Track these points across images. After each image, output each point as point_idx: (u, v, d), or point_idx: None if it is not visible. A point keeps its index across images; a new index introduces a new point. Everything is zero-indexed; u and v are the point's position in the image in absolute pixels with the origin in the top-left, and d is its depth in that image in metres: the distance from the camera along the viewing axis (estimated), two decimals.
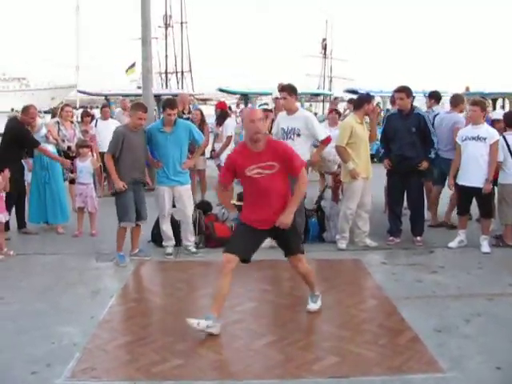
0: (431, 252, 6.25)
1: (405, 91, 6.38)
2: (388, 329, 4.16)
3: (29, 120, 6.94)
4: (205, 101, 34.46)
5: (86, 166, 7.19)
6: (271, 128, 7.67)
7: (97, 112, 15.26)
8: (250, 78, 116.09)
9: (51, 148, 7.35)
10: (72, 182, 7.84)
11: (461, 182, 6.25)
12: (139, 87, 21.21)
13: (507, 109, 18.49)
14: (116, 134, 5.79)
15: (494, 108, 17.61)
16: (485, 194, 6.09)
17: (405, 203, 6.74)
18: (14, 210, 6.96)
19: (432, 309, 4.55)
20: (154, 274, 5.92)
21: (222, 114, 8.95)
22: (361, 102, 6.45)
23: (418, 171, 6.37)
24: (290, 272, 5.59)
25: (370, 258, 6.07)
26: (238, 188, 8.45)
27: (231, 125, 9.12)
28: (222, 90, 21.13)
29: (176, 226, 6.30)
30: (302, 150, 6.02)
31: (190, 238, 6.20)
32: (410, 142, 6.31)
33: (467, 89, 17.65)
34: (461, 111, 7.13)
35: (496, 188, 6.44)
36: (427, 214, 7.19)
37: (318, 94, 28.70)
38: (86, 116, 9.65)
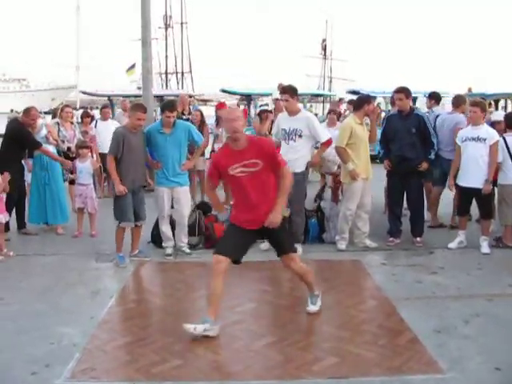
0: (431, 253, 6.25)
1: (404, 92, 6.38)
2: (388, 329, 4.16)
3: (30, 122, 6.95)
4: (205, 101, 34.47)
5: (85, 166, 7.20)
6: (271, 129, 7.69)
7: (97, 113, 15.26)
8: (250, 78, 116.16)
9: (51, 149, 7.35)
10: (72, 182, 7.84)
11: (460, 182, 6.26)
12: (139, 88, 21.23)
13: (509, 109, 18.53)
14: (116, 134, 5.78)
15: (497, 108, 17.64)
16: (485, 194, 6.10)
17: (405, 204, 6.74)
18: (13, 210, 6.97)
19: (432, 309, 4.55)
20: (154, 274, 5.92)
21: None
22: (360, 102, 6.45)
23: (417, 172, 6.38)
24: (290, 273, 5.60)
25: (370, 258, 6.08)
26: None
27: None
28: (224, 91, 21.12)
29: (175, 226, 6.30)
30: (304, 151, 6.04)
31: (183, 239, 6.20)
32: (409, 143, 6.31)
33: (469, 89, 17.66)
34: (462, 112, 7.13)
35: (496, 189, 6.45)
36: (427, 215, 7.19)
37: (320, 95, 28.69)
38: (86, 117, 9.64)
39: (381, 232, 6.70)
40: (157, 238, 6.42)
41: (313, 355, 3.73)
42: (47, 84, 65.15)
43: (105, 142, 8.59)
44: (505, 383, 3.42)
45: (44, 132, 7.42)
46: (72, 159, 7.60)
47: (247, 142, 4.01)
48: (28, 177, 7.37)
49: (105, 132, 8.97)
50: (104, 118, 10.01)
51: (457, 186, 6.35)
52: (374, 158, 6.81)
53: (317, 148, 6.50)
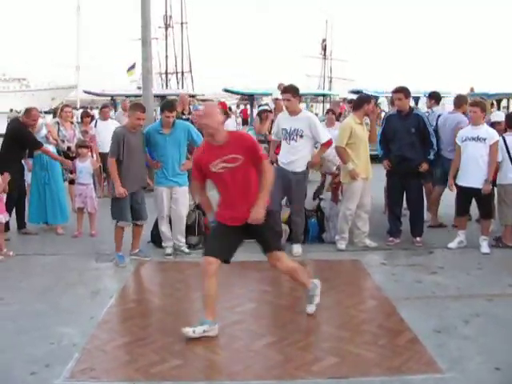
0: (431, 253, 6.25)
1: (403, 91, 6.38)
2: (387, 329, 4.16)
3: (30, 122, 6.95)
4: (205, 101, 34.47)
5: (85, 166, 7.20)
6: (271, 128, 7.68)
7: (97, 112, 15.29)
8: (250, 78, 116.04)
9: (51, 148, 7.35)
10: (72, 182, 7.84)
11: (460, 182, 6.26)
12: (139, 87, 21.26)
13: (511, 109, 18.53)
14: (116, 135, 5.76)
15: (499, 108, 17.62)
16: (484, 194, 6.10)
17: (404, 204, 6.74)
18: (13, 210, 6.97)
19: (431, 309, 4.55)
20: (154, 274, 5.92)
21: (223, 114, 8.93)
22: (360, 102, 6.44)
23: (417, 172, 6.38)
24: None
25: (370, 258, 6.07)
26: None
27: (231, 125, 9.12)
28: (227, 91, 21.12)
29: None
30: (305, 151, 6.03)
31: (180, 239, 6.19)
32: (409, 143, 6.31)
33: (472, 89, 17.65)
34: (464, 112, 7.13)
35: (496, 189, 6.44)
36: (426, 215, 7.19)
37: (323, 95, 28.64)
38: (86, 116, 9.63)
39: (381, 232, 6.70)
40: (156, 238, 6.42)
41: (313, 355, 3.73)
42: (47, 84, 65.10)
43: (105, 142, 8.59)
44: (505, 383, 3.42)
45: (44, 132, 7.42)
46: (72, 159, 7.60)
47: (227, 137, 3.95)
48: (28, 176, 7.37)
49: (104, 132, 8.97)
50: (104, 117, 10.00)
51: (456, 185, 6.35)
52: (376, 158, 6.81)
53: (316, 147, 6.50)
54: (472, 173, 6.10)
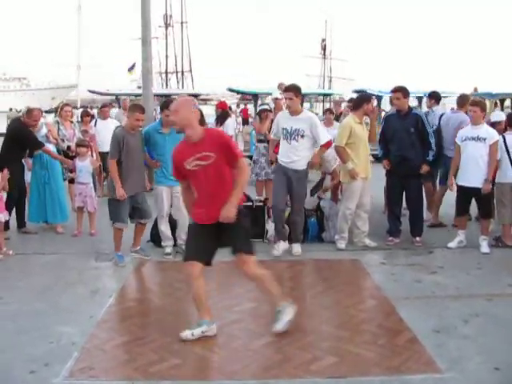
0: (430, 252, 6.25)
1: (401, 91, 6.38)
2: (387, 329, 4.16)
3: (32, 123, 6.96)
4: (205, 101, 34.45)
5: (85, 165, 7.20)
6: (271, 128, 7.67)
7: (96, 112, 15.29)
8: (250, 78, 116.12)
9: (51, 147, 7.36)
10: (71, 181, 7.84)
11: (460, 182, 6.26)
12: (139, 87, 21.27)
13: None
14: (115, 136, 5.73)
15: (502, 108, 17.60)
16: (484, 194, 6.10)
17: (404, 204, 6.74)
18: (13, 209, 6.97)
19: (431, 309, 4.55)
20: (153, 273, 5.92)
21: (223, 113, 8.95)
22: (360, 101, 6.44)
23: (417, 172, 6.38)
24: (290, 272, 5.61)
25: (369, 258, 6.07)
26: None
27: (231, 125, 9.11)
28: (231, 90, 21.10)
29: (174, 225, 6.29)
30: (306, 151, 6.01)
31: (183, 237, 6.19)
32: (408, 143, 6.31)
33: (475, 89, 17.64)
34: (467, 111, 7.13)
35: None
36: (426, 215, 7.19)
37: (327, 94, 28.65)
38: (86, 116, 9.64)
39: (380, 231, 6.70)
40: (156, 238, 6.41)
41: (311, 355, 3.72)
42: (47, 83, 65.15)
43: (104, 141, 8.60)
44: (504, 383, 3.42)
45: (44, 131, 7.43)
46: (72, 158, 7.60)
47: (202, 134, 3.86)
48: (28, 175, 7.37)
49: (104, 131, 8.97)
50: (103, 116, 10.00)
51: (456, 185, 6.35)
52: (378, 158, 6.81)
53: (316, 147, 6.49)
54: (472, 172, 6.10)
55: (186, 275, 3.97)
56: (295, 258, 5.97)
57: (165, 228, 6.16)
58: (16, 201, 6.90)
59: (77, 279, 5.36)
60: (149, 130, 6.06)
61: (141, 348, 3.83)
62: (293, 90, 5.95)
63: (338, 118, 10.22)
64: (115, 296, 4.92)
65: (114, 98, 21.68)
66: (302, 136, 5.92)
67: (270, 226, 6.71)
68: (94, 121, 9.92)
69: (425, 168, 6.35)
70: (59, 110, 8.77)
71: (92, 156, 7.88)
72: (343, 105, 11.85)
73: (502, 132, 6.46)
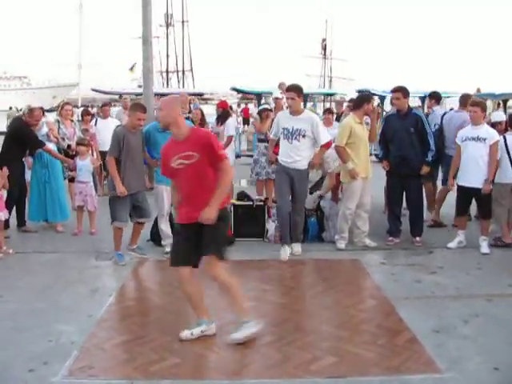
0: (430, 252, 6.25)
1: (401, 91, 6.38)
2: (386, 329, 4.15)
3: (33, 122, 6.97)
4: (206, 100, 34.49)
5: (85, 164, 7.20)
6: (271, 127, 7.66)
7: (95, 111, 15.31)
8: (250, 78, 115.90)
9: (52, 146, 7.36)
10: (72, 180, 7.84)
11: (460, 182, 6.26)
12: (140, 86, 21.27)
13: None
14: (116, 134, 5.74)
15: (505, 109, 17.56)
16: (484, 194, 6.09)
17: (404, 204, 6.73)
18: (13, 208, 6.97)
19: (431, 309, 4.55)
20: (153, 272, 5.92)
21: (224, 113, 8.92)
22: (360, 101, 6.44)
23: (417, 173, 6.38)
24: (290, 272, 5.61)
25: (369, 258, 6.07)
26: (237, 187, 8.46)
27: (232, 124, 9.09)
28: (235, 90, 21.10)
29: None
30: (307, 151, 6.00)
31: None
32: (408, 143, 6.31)
33: (478, 90, 17.59)
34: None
35: None
36: (426, 215, 7.19)
37: (331, 94, 28.67)
38: (87, 115, 9.64)
39: (380, 231, 6.70)
40: (156, 237, 6.42)
41: (311, 354, 3.72)
42: (48, 82, 65.14)
43: (105, 140, 8.58)
44: (503, 383, 3.42)
45: (45, 130, 7.44)
46: (72, 157, 7.60)
47: (188, 133, 3.86)
48: (28, 174, 7.37)
49: (105, 130, 8.96)
50: (104, 115, 10.00)
51: (457, 185, 6.35)
52: (380, 158, 6.80)
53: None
54: (472, 173, 6.10)
55: (178, 279, 3.97)
56: (295, 258, 5.97)
57: (165, 227, 6.16)
58: (16, 199, 6.90)
59: (77, 278, 5.36)
60: (149, 129, 6.06)
61: (140, 347, 3.83)
62: (295, 90, 5.94)
63: (338, 118, 10.20)
64: (115, 295, 4.92)
65: (117, 96, 21.77)
66: (304, 136, 5.91)
67: (270, 226, 6.72)
68: (94, 120, 9.92)
69: (425, 169, 6.36)
70: (60, 108, 8.77)
71: (92, 155, 7.88)
72: (345, 105, 11.84)
73: (502, 132, 6.46)
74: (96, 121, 9.84)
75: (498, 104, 18.92)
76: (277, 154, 6.26)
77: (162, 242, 6.22)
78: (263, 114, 8.51)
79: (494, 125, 6.72)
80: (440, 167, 7.52)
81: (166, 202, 6.05)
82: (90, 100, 42.08)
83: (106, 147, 6.23)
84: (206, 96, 31.51)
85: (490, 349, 3.79)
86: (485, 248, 6.15)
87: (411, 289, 5.06)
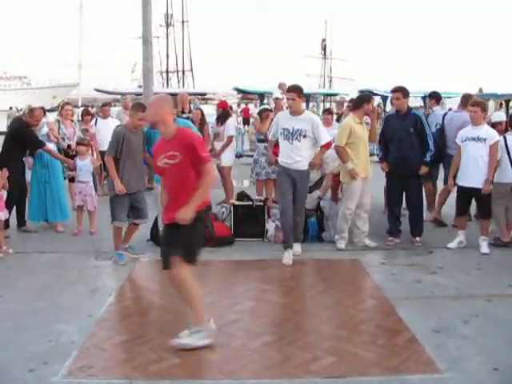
0: (430, 252, 6.25)
1: (401, 91, 6.38)
2: (386, 329, 4.16)
3: (33, 122, 6.97)
4: (206, 100, 34.48)
5: (85, 164, 7.19)
6: None
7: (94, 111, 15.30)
8: (250, 78, 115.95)
9: (52, 146, 7.36)
10: (72, 180, 7.84)
11: (460, 182, 6.25)
12: (140, 86, 21.27)
13: None
14: (116, 134, 5.75)
15: (507, 109, 17.54)
16: (484, 194, 6.09)
17: (404, 204, 6.73)
18: (14, 208, 6.97)
19: (430, 309, 4.55)
20: (153, 272, 5.90)
21: (224, 113, 8.93)
22: (360, 101, 6.44)
23: (417, 173, 6.38)
24: (289, 272, 5.61)
25: (369, 258, 6.07)
26: (239, 187, 8.46)
27: (232, 124, 9.09)
28: (238, 90, 21.09)
29: None
30: (308, 151, 6.00)
31: None
32: (408, 143, 6.30)
33: (480, 90, 17.58)
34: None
35: None
36: (426, 215, 7.19)
37: (333, 94, 28.68)
38: (87, 115, 9.64)
39: (380, 231, 6.70)
40: (156, 237, 6.41)
41: (311, 354, 3.72)
42: (48, 82, 65.16)
43: (104, 140, 8.56)
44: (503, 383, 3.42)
45: (45, 130, 7.44)
46: (72, 157, 7.60)
47: (175, 133, 3.86)
48: (28, 174, 7.38)
49: (104, 130, 8.95)
50: (104, 115, 10.00)
51: (456, 185, 6.35)
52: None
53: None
54: (472, 173, 6.10)
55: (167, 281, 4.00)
56: (295, 258, 5.96)
57: None
58: (16, 199, 6.90)
59: (77, 278, 5.36)
60: (150, 129, 6.05)
61: (140, 347, 3.83)
62: (296, 90, 5.93)
63: (339, 119, 10.20)
64: (115, 295, 4.92)
65: (119, 96, 21.76)
66: (304, 136, 5.90)
67: (270, 226, 6.72)
68: (94, 120, 9.92)
69: (423, 169, 6.35)
70: (60, 108, 8.78)
71: (92, 155, 7.88)
72: (345, 105, 11.85)
73: (502, 132, 6.46)
74: (96, 121, 9.84)
75: (501, 104, 18.90)
76: (276, 154, 6.25)
77: None
78: (263, 114, 8.52)
79: (494, 125, 6.73)
80: (441, 167, 7.52)
81: None
82: (91, 100, 42.08)
83: (106, 147, 6.22)
84: (209, 96, 31.46)
85: (489, 349, 3.79)
86: (485, 248, 6.15)
87: (411, 289, 5.06)
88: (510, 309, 4.58)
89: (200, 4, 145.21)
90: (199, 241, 3.93)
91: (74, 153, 7.76)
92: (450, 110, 7.96)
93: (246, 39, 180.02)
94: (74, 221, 7.18)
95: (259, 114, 8.78)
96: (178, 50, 59.24)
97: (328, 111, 9.70)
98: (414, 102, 19.76)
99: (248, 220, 6.75)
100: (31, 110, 7.01)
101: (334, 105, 29.51)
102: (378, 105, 18.18)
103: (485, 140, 6.06)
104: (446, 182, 7.31)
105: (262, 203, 6.92)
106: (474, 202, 6.45)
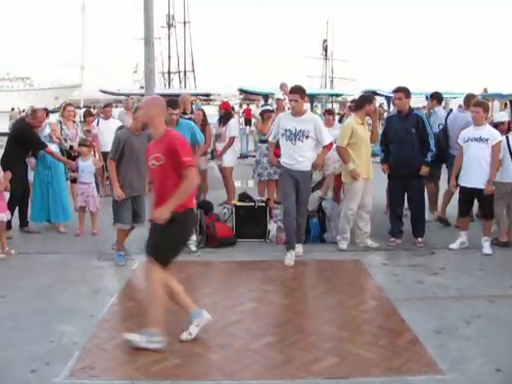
0: (432, 253, 6.24)
1: (403, 91, 6.37)
2: (388, 330, 4.15)
3: (36, 123, 6.98)
4: (208, 101, 34.49)
5: (87, 165, 7.20)
6: None
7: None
8: (250, 78, 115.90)
9: (54, 147, 7.37)
10: (74, 181, 7.85)
11: (462, 183, 6.24)
12: (142, 87, 21.31)
13: None
14: (117, 137, 5.73)
15: None
16: (486, 195, 6.08)
17: (406, 204, 6.73)
18: (16, 208, 6.98)
19: (432, 310, 4.54)
20: None
21: (226, 114, 8.94)
22: (362, 102, 6.44)
23: (418, 173, 6.37)
24: (291, 273, 5.61)
25: (371, 258, 6.06)
26: (243, 188, 8.46)
27: (235, 125, 9.10)
28: (242, 91, 21.10)
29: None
30: (310, 151, 5.99)
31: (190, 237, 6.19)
32: (410, 143, 6.30)
33: (485, 90, 17.52)
34: None
35: None
36: (428, 215, 7.18)
37: (338, 95, 28.67)
38: (89, 116, 9.65)
39: (382, 232, 6.69)
40: None
41: (313, 355, 3.72)
42: (51, 83, 65.29)
43: (106, 141, 8.59)
44: None
45: (47, 131, 7.46)
46: (74, 158, 7.61)
47: (162, 135, 3.89)
48: (31, 175, 7.39)
49: (106, 131, 8.99)
50: (106, 116, 10.01)
51: (459, 186, 6.34)
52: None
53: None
54: (474, 173, 6.09)
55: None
56: (297, 259, 5.96)
57: None
58: (19, 200, 6.91)
59: (79, 278, 5.36)
60: None
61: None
62: (298, 91, 5.93)
63: (341, 119, 10.21)
64: (117, 295, 4.93)
65: (123, 97, 21.80)
66: (307, 137, 5.90)
67: (271, 227, 6.71)
68: (96, 120, 9.93)
69: (424, 169, 6.34)
70: (62, 109, 8.79)
71: (95, 156, 7.89)
72: (347, 105, 11.88)
73: (505, 132, 6.45)
74: (98, 122, 9.85)
75: (505, 104, 18.85)
76: (278, 156, 6.24)
77: None
78: (265, 115, 8.52)
79: (496, 125, 6.71)
80: (445, 167, 7.51)
81: None
82: (93, 101, 42.11)
83: (108, 148, 6.23)
84: (213, 97, 31.47)
85: (492, 350, 3.78)
86: (487, 249, 6.13)
87: (413, 290, 5.05)
88: None
89: (200, 4, 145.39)
90: (173, 243, 3.88)
91: (76, 154, 7.77)
92: (450, 110, 7.95)
93: (245, 39, 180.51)
94: (76, 222, 7.18)
95: (261, 114, 8.78)
96: (179, 50, 59.30)
97: (329, 112, 9.69)
98: (417, 102, 19.73)
99: (250, 221, 6.75)
100: (34, 111, 7.02)
101: (335, 105, 29.52)
102: (380, 105, 18.18)
103: (487, 140, 6.05)
104: (449, 182, 7.30)
105: (263, 204, 6.92)
106: (476, 202, 6.44)
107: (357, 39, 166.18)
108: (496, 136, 6.10)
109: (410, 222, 6.59)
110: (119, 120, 10.28)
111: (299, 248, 6.17)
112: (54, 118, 10.35)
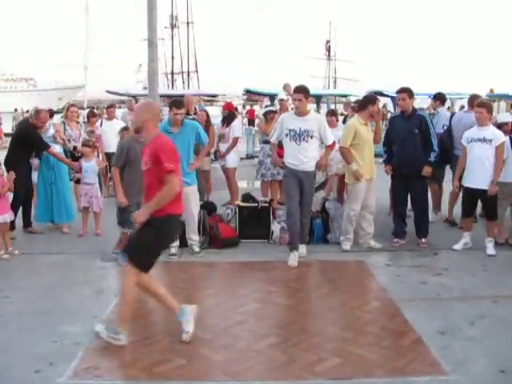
0: (436, 254, 6.23)
1: (406, 92, 6.36)
2: (391, 330, 4.15)
3: (39, 124, 7.00)
4: (211, 102, 34.49)
5: (90, 165, 7.22)
6: None
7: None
8: (252, 78, 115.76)
9: (58, 148, 7.39)
10: (77, 181, 7.86)
11: (466, 183, 6.23)
12: (145, 88, 21.32)
13: None
14: (121, 145, 5.79)
15: None
16: (490, 196, 6.06)
17: (409, 205, 6.72)
18: (19, 209, 7.00)
19: (436, 311, 4.53)
20: (158, 274, 5.87)
21: (230, 115, 8.94)
22: (365, 103, 6.43)
23: (421, 174, 6.36)
24: (295, 273, 5.61)
25: (374, 259, 6.06)
26: (248, 188, 8.45)
27: (238, 126, 9.10)
28: (248, 91, 21.13)
29: (181, 226, 6.28)
30: (314, 151, 5.99)
31: (193, 238, 6.21)
32: (413, 144, 6.29)
33: (491, 91, 17.48)
34: None
35: None
36: (431, 216, 7.17)
37: (344, 95, 28.65)
38: (92, 116, 9.67)
39: (385, 233, 6.68)
40: None
41: (316, 356, 3.72)
42: (54, 84, 65.43)
43: (110, 142, 8.62)
44: None
45: (52, 131, 7.48)
46: (77, 158, 7.63)
47: (151, 139, 3.94)
48: (34, 176, 7.41)
49: (110, 132, 9.01)
50: (109, 117, 10.03)
51: (462, 186, 6.33)
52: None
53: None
54: (478, 174, 6.07)
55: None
56: (300, 260, 5.96)
57: None
58: (22, 201, 6.93)
59: (82, 279, 5.38)
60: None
61: (146, 348, 3.84)
62: (303, 91, 5.92)
63: (345, 120, 10.19)
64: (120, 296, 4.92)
65: (125, 98, 21.88)
66: (312, 137, 5.89)
67: (275, 227, 6.71)
68: (99, 121, 9.95)
69: (426, 169, 6.32)
70: (65, 110, 8.82)
71: (98, 156, 7.90)
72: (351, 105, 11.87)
73: (508, 133, 6.44)
74: (101, 122, 9.87)
75: (511, 105, 18.81)
76: (281, 156, 6.23)
77: None
78: (268, 115, 8.51)
79: (500, 126, 6.70)
80: (449, 168, 7.50)
81: None
82: (96, 102, 42.19)
83: (111, 149, 6.26)
84: (220, 97, 31.45)
85: (495, 350, 3.78)
86: (491, 249, 6.12)
87: (416, 290, 5.04)
88: None
89: (202, 5, 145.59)
90: (147, 247, 3.89)
91: (80, 154, 7.78)
92: (449, 109, 7.95)
93: (247, 39, 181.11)
94: (80, 222, 7.20)
95: (264, 115, 8.78)
96: (183, 51, 59.38)
97: (332, 112, 9.67)
98: (421, 103, 19.71)
99: (253, 221, 6.75)
100: (37, 112, 7.04)
101: (338, 106, 29.47)
102: (384, 106, 18.13)
103: (491, 141, 6.03)
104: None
105: (267, 204, 6.92)
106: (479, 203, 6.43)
107: (361, 40, 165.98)
108: (500, 137, 6.09)
109: (414, 223, 6.58)
110: (122, 121, 10.31)
111: (302, 249, 6.17)
112: (56, 118, 10.40)
